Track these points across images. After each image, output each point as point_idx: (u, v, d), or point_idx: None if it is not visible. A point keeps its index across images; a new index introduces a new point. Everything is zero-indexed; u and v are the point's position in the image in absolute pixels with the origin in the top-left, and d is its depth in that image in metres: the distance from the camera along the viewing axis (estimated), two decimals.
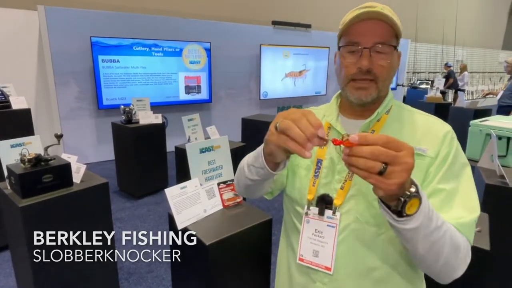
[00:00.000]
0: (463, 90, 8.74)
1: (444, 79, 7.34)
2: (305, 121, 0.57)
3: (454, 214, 0.70)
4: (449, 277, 0.69)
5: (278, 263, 0.98)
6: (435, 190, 0.72)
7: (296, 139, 0.57)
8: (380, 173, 0.51)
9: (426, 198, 0.58)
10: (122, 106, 3.74)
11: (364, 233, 0.77)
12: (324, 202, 0.79)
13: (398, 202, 0.56)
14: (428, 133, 0.76)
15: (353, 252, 0.78)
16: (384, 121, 0.80)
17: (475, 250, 1.27)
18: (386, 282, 0.78)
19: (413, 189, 0.55)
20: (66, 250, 1.76)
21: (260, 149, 0.72)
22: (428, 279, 0.88)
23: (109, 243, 2.00)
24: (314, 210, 0.79)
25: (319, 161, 0.82)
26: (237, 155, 2.87)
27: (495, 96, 5.40)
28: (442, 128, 0.77)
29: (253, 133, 4.22)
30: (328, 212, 0.78)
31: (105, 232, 1.96)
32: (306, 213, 0.80)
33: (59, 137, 1.89)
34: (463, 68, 9.38)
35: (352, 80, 0.76)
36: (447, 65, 8.71)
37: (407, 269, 0.80)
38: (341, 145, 0.55)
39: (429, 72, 10.87)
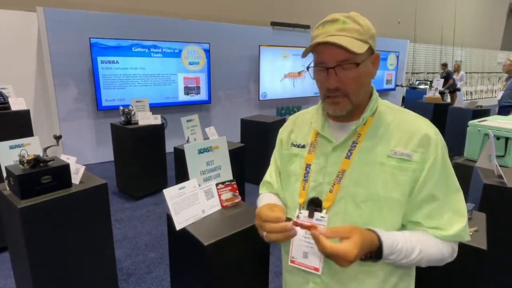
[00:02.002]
0: (459, 89, 8.77)
1: (442, 80, 7.35)
2: (272, 227, 0.74)
3: (444, 222, 0.78)
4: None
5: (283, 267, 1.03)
6: (427, 196, 0.77)
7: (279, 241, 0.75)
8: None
9: (387, 248, 0.72)
10: (121, 107, 3.74)
11: None
12: (314, 205, 0.82)
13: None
14: (413, 136, 0.78)
15: None
16: (370, 123, 0.83)
17: (472, 249, 1.28)
18: (369, 283, 0.82)
19: (368, 256, 0.73)
20: (65, 251, 1.76)
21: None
22: (425, 276, 0.88)
23: (108, 244, 2.01)
24: (305, 213, 0.82)
25: (308, 166, 0.87)
26: (236, 155, 2.88)
27: None
28: (428, 131, 0.79)
29: (252, 133, 4.22)
30: (317, 215, 0.80)
31: (104, 233, 1.97)
32: (297, 216, 0.83)
33: (58, 138, 1.89)
34: (458, 68, 9.40)
35: (327, 97, 0.81)
36: (445, 65, 8.72)
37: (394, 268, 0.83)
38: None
39: (427, 73, 10.89)
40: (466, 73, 11.14)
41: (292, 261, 0.81)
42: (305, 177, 0.86)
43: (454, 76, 8.92)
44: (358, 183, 0.79)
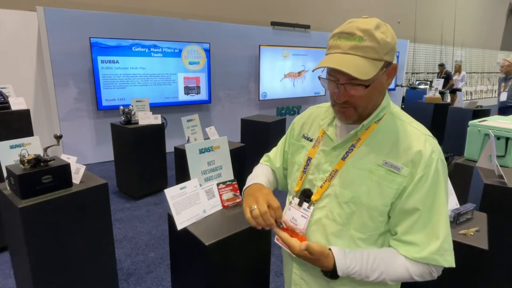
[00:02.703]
0: (460, 90, 8.76)
1: (442, 80, 7.35)
2: (267, 216, 0.83)
3: (419, 240, 0.78)
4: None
5: None
6: (410, 210, 0.78)
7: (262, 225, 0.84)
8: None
9: (341, 271, 0.79)
10: (121, 107, 3.74)
11: (331, 229, 0.86)
12: (304, 196, 0.90)
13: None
14: (408, 151, 0.79)
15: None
16: (372, 130, 0.84)
17: (473, 249, 1.28)
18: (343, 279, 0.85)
19: (328, 273, 0.82)
20: (65, 251, 1.76)
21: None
22: None
23: (108, 244, 2.01)
24: (296, 200, 0.91)
25: (309, 159, 0.93)
26: (236, 155, 2.87)
27: None
28: (424, 149, 0.78)
29: (252, 133, 4.22)
30: (305, 205, 0.89)
31: (104, 233, 1.97)
32: (290, 202, 0.93)
33: (58, 138, 1.89)
34: (459, 68, 9.40)
35: (335, 105, 0.83)
36: (442, 65, 8.71)
37: None
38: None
39: (427, 73, 10.89)
40: (466, 73, 11.14)
41: (278, 239, 0.91)
42: (304, 168, 0.93)
43: (456, 77, 8.91)
44: (345, 185, 0.83)
